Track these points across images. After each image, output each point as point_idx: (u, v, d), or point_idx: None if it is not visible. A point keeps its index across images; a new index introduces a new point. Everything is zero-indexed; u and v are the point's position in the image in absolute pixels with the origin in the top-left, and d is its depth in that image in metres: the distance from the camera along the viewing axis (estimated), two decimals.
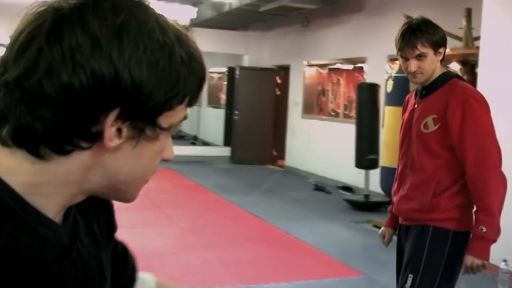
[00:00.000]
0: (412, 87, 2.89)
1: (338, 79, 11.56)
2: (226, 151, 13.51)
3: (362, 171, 8.41)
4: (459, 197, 2.60)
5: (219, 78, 16.73)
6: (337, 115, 11.36)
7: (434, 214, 2.61)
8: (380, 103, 8.09)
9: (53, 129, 0.67)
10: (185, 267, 5.30)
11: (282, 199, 8.98)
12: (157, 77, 0.69)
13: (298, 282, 5.07)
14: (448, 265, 2.60)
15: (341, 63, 10.94)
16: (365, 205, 8.16)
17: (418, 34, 2.57)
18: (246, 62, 13.57)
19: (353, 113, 10.03)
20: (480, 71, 5.68)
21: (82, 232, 0.80)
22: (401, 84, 6.32)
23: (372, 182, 8.08)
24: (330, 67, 11.58)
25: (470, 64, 6.31)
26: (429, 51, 2.58)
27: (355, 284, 5.12)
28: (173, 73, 0.71)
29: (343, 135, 9.88)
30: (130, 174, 0.75)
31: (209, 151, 14.07)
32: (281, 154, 12.82)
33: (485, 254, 2.55)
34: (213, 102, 16.86)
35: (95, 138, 0.69)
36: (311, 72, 12.02)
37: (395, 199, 2.82)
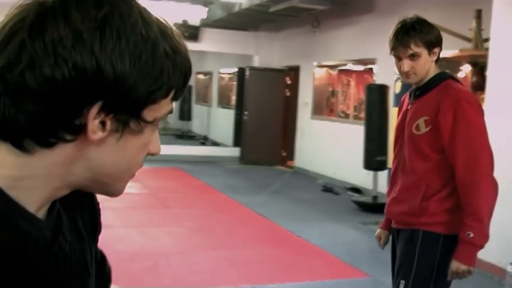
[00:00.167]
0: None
1: (348, 80, 11.54)
2: (235, 152, 13.52)
3: (371, 173, 8.38)
4: (449, 201, 2.54)
5: (229, 79, 16.75)
6: (346, 116, 11.34)
7: (423, 218, 2.55)
8: (389, 104, 8.07)
9: (37, 121, 0.68)
10: (192, 266, 5.31)
11: (291, 200, 8.98)
12: (139, 70, 0.70)
13: (303, 282, 5.07)
14: (441, 268, 2.54)
15: (352, 63, 10.91)
16: (373, 207, 8.12)
17: (412, 33, 2.52)
18: (256, 62, 13.58)
19: (363, 115, 9.99)
20: (489, 72, 5.65)
21: (65, 227, 0.80)
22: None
23: (380, 183, 8.05)
24: (340, 68, 11.56)
25: (479, 66, 6.27)
26: (423, 51, 2.53)
27: (361, 285, 5.10)
28: (156, 66, 0.71)
29: (352, 136, 9.86)
30: (115, 167, 0.76)
31: (219, 152, 14.10)
32: (291, 155, 12.80)
33: (471, 260, 2.47)
34: (223, 102, 16.89)
35: (78, 130, 0.69)
36: (321, 73, 12.00)
37: (387, 201, 2.79)
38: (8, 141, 0.70)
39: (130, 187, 8.64)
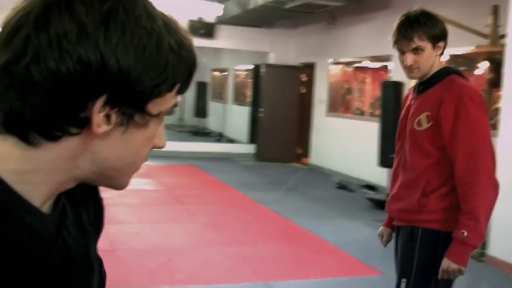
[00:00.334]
0: (412, 83, 2.79)
1: (364, 77, 11.49)
2: (250, 149, 13.54)
3: (385, 170, 8.34)
4: (449, 199, 2.48)
5: (245, 76, 16.76)
6: (362, 113, 11.29)
7: (422, 215, 2.50)
8: None
9: (42, 114, 0.69)
10: (205, 262, 5.32)
11: (305, 197, 8.97)
12: (144, 63, 0.70)
13: (316, 279, 5.06)
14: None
15: (368, 60, 10.86)
16: None
17: (415, 26, 2.44)
18: (272, 59, 13.57)
19: (378, 112, 9.95)
20: (506, 69, 5.59)
21: (70, 221, 0.81)
22: None
23: None
24: (355, 65, 11.51)
25: (496, 62, 6.21)
26: (427, 45, 2.45)
27: (373, 283, 5.09)
28: (160, 60, 0.71)
29: (368, 133, 9.82)
30: (120, 161, 0.76)
31: (234, 148, 14.12)
32: (306, 152, 12.79)
33: (463, 260, 2.40)
34: (239, 99, 16.91)
35: (83, 124, 0.70)
36: (336, 70, 11.96)
37: (388, 198, 2.75)
38: (15, 134, 0.71)
39: (146, 184, 8.71)
